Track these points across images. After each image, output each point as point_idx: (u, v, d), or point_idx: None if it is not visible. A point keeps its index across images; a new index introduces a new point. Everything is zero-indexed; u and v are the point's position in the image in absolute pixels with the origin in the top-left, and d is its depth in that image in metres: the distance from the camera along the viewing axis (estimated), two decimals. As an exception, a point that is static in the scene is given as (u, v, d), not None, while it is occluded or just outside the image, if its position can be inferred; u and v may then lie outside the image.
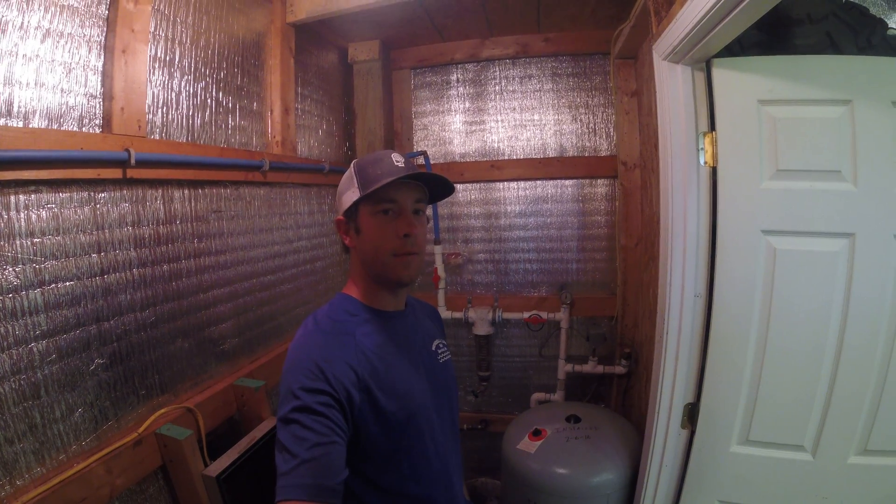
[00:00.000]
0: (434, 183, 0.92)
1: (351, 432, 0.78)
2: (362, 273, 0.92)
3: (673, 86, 1.28)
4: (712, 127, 1.24)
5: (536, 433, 1.66)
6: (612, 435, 1.64)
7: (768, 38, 1.28)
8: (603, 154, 2.17)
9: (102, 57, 1.08)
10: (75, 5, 1.02)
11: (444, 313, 2.24)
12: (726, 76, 1.21)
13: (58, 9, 0.98)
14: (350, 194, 0.88)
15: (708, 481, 1.33)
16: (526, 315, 2.18)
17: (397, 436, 0.83)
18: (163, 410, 1.19)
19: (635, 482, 1.50)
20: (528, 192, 2.25)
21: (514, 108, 2.25)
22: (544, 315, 2.16)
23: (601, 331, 2.13)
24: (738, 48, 1.28)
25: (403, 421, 0.83)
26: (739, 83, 1.20)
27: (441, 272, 2.24)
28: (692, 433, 1.33)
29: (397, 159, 0.88)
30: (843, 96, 1.14)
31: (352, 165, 0.92)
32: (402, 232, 0.86)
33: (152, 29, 1.20)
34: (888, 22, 1.31)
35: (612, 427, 1.69)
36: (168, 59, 1.26)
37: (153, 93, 1.21)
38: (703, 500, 1.34)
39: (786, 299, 1.20)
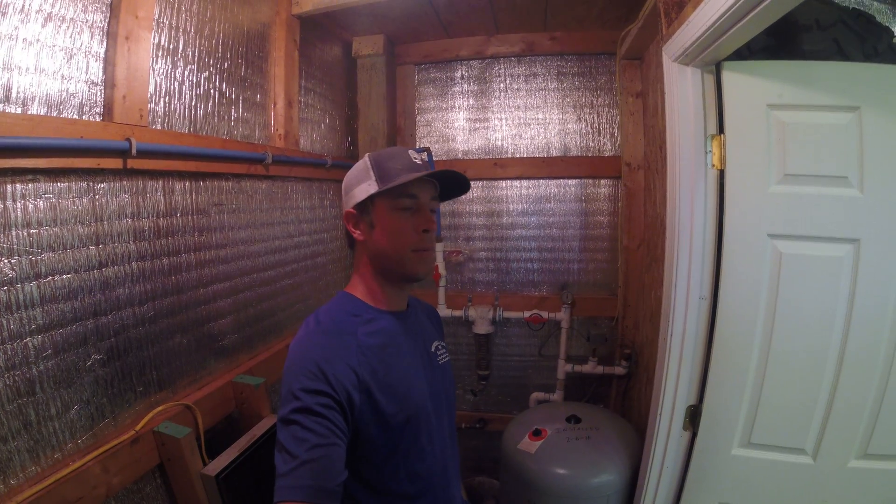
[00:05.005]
0: (448, 181, 0.91)
1: (351, 434, 0.77)
2: (369, 269, 0.90)
3: (682, 88, 1.27)
4: (721, 130, 1.24)
5: (537, 433, 1.65)
6: (613, 436, 1.64)
7: (776, 42, 1.29)
8: (607, 154, 2.17)
9: (105, 43, 1.05)
10: (78, -11, 0.99)
11: (445, 311, 2.23)
12: (736, 79, 1.20)
13: (60, -8, 0.95)
14: (365, 187, 0.86)
15: (708, 484, 1.33)
16: (526, 314, 2.17)
17: (395, 437, 0.82)
18: (161, 408, 1.16)
19: (635, 483, 1.50)
20: (530, 190, 2.24)
21: (519, 107, 2.24)
22: (545, 315, 2.16)
23: (602, 331, 2.13)
24: (747, 52, 1.28)
25: (402, 423, 0.83)
26: (749, 87, 1.19)
27: (442, 269, 2.23)
28: (693, 435, 1.33)
29: (414, 156, 0.88)
30: (852, 103, 1.14)
31: (366, 158, 0.89)
32: (421, 227, 0.86)
33: (156, 16, 1.17)
34: (894, 30, 1.32)
35: (612, 428, 1.68)
36: (172, 47, 1.23)
37: (156, 81, 1.18)
38: (703, 502, 1.34)
39: (790, 303, 1.20)
